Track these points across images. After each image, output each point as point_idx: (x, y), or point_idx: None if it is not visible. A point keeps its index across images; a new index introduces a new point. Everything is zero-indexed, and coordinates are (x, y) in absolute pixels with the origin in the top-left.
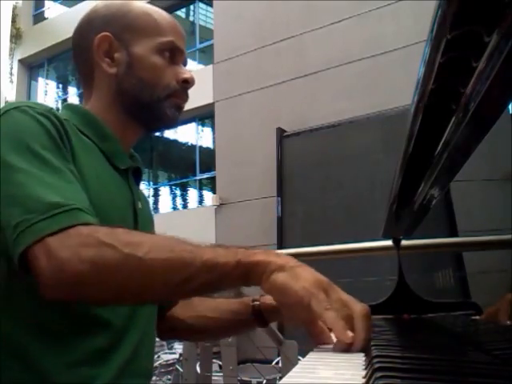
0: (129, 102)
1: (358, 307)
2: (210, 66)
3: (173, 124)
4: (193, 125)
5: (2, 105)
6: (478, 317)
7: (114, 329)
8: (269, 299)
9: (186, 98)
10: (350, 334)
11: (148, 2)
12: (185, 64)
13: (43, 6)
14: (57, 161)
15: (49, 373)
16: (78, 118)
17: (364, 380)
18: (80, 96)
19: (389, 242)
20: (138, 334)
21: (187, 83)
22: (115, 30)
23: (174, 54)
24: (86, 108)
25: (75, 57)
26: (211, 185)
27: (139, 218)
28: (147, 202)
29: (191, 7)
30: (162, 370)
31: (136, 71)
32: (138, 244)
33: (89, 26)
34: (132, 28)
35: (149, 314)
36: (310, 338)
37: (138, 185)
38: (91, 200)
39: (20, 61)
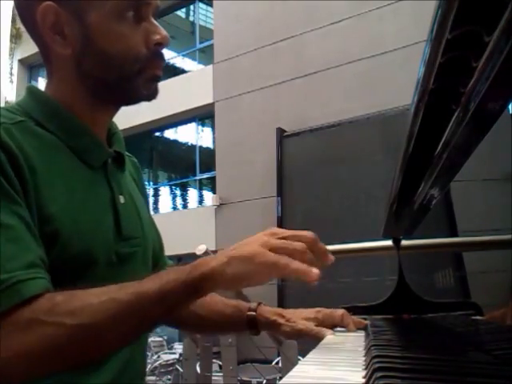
0: (94, 84)
1: (304, 235)
2: (210, 66)
3: (151, 99)
4: (193, 125)
5: (2, 105)
6: (478, 317)
7: None
8: (266, 311)
9: (161, 63)
10: (312, 269)
11: None
12: (154, 15)
13: None
14: (2, 209)
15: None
16: (42, 109)
17: (364, 380)
18: None
19: (389, 242)
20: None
21: (160, 45)
22: None
23: (140, 10)
24: (49, 93)
25: (26, 29)
26: (211, 185)
27: (121, 215)
28: (141, 188)
29: (191, 7)
30: (162, 370)
31: (95, 46)
32: (81, 309)
33: None
34: None
35: None
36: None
37: (122, 171)
38: (59, 212)
39: (20, 61)
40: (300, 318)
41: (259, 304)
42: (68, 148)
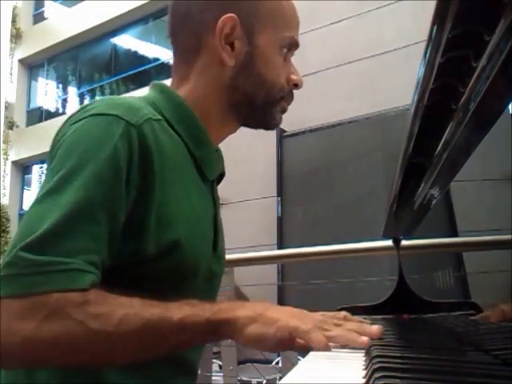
0: (239, 99)
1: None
2: None
3: (275, 127)
4: None
5: (2, 105)
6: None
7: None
8: None
9: (291, 101)
10: (329, 344)
11: (147, 2)
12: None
13: (43, 6)
14: (102, 201)
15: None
16: (174, 110)
17: (364, 380)
18: (80, 96)
19: (389, 242)
20: (197, 363)
21: (296, 86)
22: (241, 11)
23: (290, 51)
24: (181, 94)
25: (176, 24)
26: None
27: (219, 230)
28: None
29: None
30: None
31: (256, 66)
32: (107, 316)
33: None
34: (260, 13)
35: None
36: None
37: (218, 184)
38: (179, 218)
39: (20, 61)
40: None
41: None
42: (190, 155)
